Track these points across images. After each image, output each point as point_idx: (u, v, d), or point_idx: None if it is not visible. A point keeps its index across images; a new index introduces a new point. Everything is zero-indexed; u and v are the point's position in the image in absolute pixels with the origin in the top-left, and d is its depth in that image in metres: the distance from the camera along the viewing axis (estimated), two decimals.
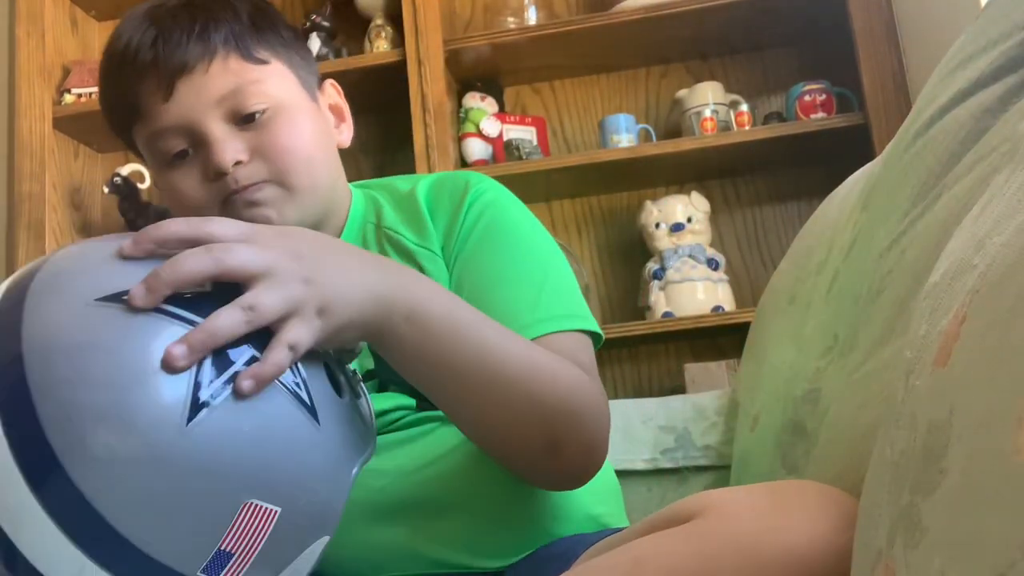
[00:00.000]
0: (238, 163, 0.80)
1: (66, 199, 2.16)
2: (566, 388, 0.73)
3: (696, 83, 2.02)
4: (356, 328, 0.62)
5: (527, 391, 0.70)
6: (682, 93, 2.02)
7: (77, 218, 2.20)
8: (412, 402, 0.84)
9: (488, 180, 0.89)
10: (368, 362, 0.84)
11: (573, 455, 0.74)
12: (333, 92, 0.93)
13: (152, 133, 0.82)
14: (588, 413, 0.74)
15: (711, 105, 1.97)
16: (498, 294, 0.81)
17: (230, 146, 0.80)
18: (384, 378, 0.84)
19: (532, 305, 0.80)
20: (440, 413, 0.82)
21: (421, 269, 0.85)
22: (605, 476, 0.92)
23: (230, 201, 0.81)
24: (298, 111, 0.84)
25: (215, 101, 0.80)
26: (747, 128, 1.94)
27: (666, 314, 1.89)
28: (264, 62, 0.83)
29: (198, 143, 0.81)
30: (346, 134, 0.92)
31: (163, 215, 2.14)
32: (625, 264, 2.10)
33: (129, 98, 0.82)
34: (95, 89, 2.15)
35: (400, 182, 0.94)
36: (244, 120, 0.81)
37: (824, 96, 1.92)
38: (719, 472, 1.17)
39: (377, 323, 0.63)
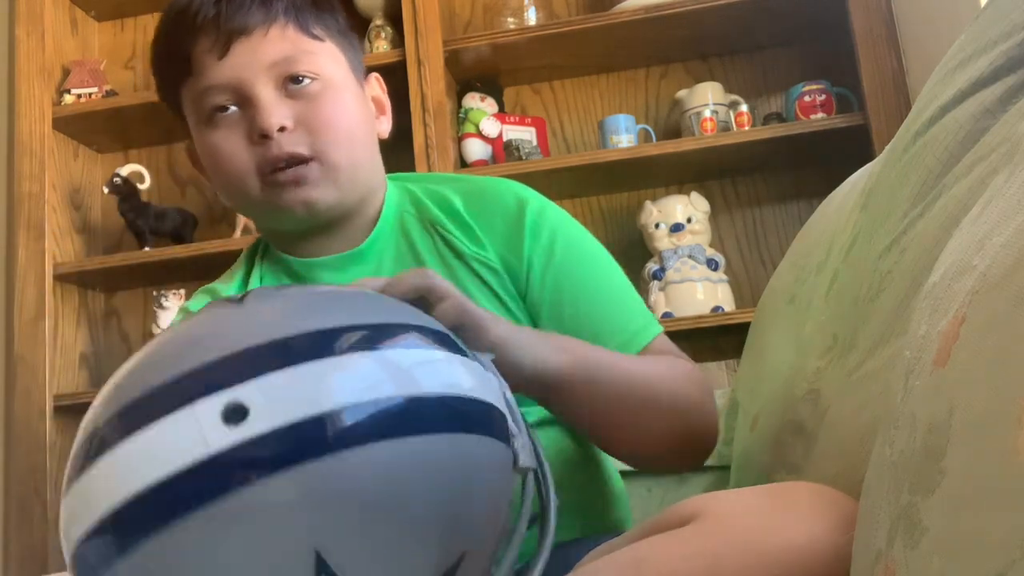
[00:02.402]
0: (282, 129, 0.81)
1: (66, 199, 2.16)
2: (687, 381, 0.81)
3: (696, 83, 2.02)
4: (536, 371, 0.69)
5: (668, 398, 0.78)
6: (682, 93, 2.02)
7: (77, 218, 2.20)
8: None
9: (536, 194, 0.91)
10: None
11: (703, 437, 0.82)
12: (377, 85, 0.94)
13: (202, 90, 0.83)
14: (709, 396, 0.82)
15: (711, 105, 1.97)
16: (597, 311, 0.87)
17: (277, 110, 0.81)
18: None
19: (628, 318, 0.87)
20: None
21: (477, 275, 0.86)
22: (619, 483, 0.94)
23: (272, 180, 0.82)
24: (345, 91, 0.86)
25: (268, 65, 0.82)
26: (747, 128, 1.94)
27: (666, 314, 1.89)
28: (319, 39, 0.85)
29: (245, 104, 0.82)
30: (385, 126, 0.93)
31: (163, 215, 2.14)
32: (625, 264, 2.07)
33: (184, 53, 0.83)
34: (95, 89, 2.15)
35: (431, 183, 0.94)
36: (293, 84, 0.83)
37: (824, 96, 1.92)
38: (719, 472, 1.17)
39: (556, 374, 0.70)
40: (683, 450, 0.82)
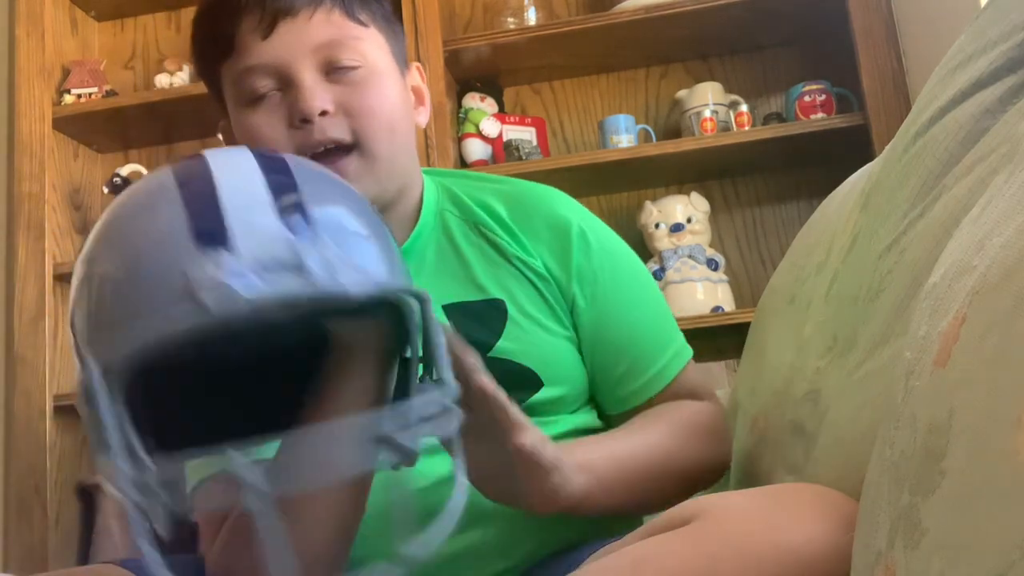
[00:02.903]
0: (323, 113, 0.80)
1: (66, 199, 2.16)
2: (703, 438, 0.86)
3: (696, 83, 2.02)
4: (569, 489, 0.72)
5: (687, 467, 0.84)
6: (682, 93, 2.02)
7: (77, 218, 2.20)
8: None
9: (579, 206, 0.92)
10: None
11: (717, 478, 0.90)
12: (417, 75, 0.93)
13: (243, 70, 0.82)
14: (724, 439, 0.89)
15: (711, 105, 1.97)
16: (635, 342, 0.89)
17: (319, 94, 0.80)
18: None
19: (664, 345, 0.91)
20: None
21: (524, 276, 0.87)
22: None
23: None
24: (388, 78, 0.85)
25: (312, 48, 0.81)
26: (747, 128, 1.94)
27: None
28: (364, 24, 0.84)
29: (286, 87, 0.81)
30: (423, 116, 0.92)
31: None
32: None
33: (228, 31, 0.82)
34: (95, 89, 2.15)
35: (470, 181, 0.94)
36: (336, 72, 0.82)
37: (824, 96, 1.92)
38: None
39: (581, 495, 0.73)
40: (697, 491, 0.87)
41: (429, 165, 1.92)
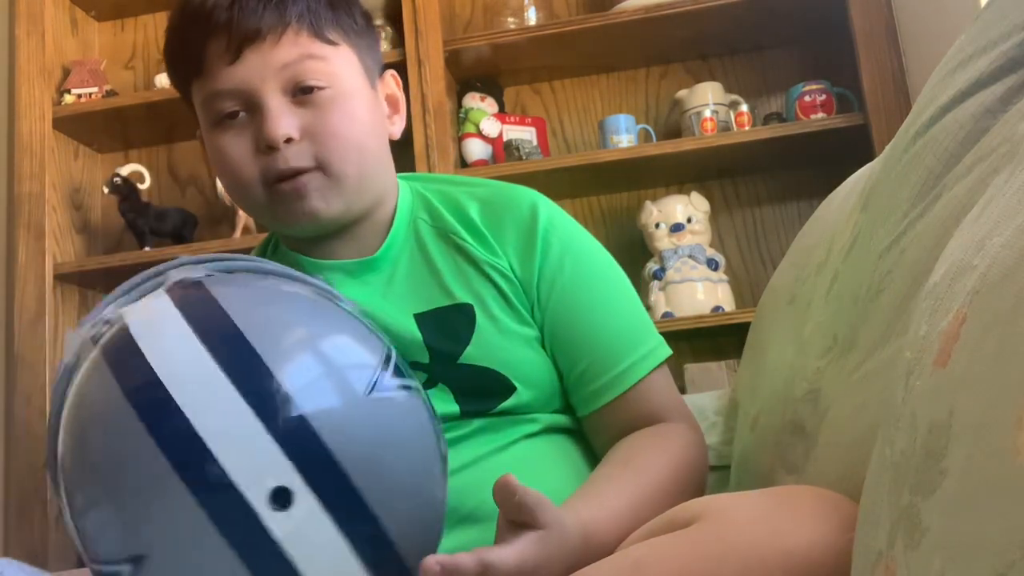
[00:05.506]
0: (288, 140, 0.80)
1: (66, 199, 2.16)
2: (689, 470, 0.83)
3: (696, 83, 2.02)
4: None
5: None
6: (682, 93, 2.02)
7: (77, 218, 2.20)
8: (456, 410, 0.84)
9: (549, 204, 0.91)
10: (422, 356, 0.84)
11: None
12: (392, 83, 0.93)
13: (211, 93, 0.82)
14: (702, 463, 0.86)
15: (711, 105, 1.97)
16: (604, 331, 0.87)
17: (283, 121, 0.80)
18: (434, 376, 0.85)
19: (633, 342, 0.87)
20: (482, 421, 0.84)
21: (490, 280, 0.86)
22: None
23: (278, 190, 0.81)
24: (356, 98, 0.84)
25: (278, 73, 0.80)
26: (747, 128, 1.94)
27: (666, 314, 1.89)
28: (333, 43, 0.83)
29: (253, 110, 0.81)
30: (398, 126, 0.92)
31: (163, 216, 2.14)
32: (625, 264, 2.05)
33: (196, 54, 0.82)
34: (95, 89, 2.15)
35: (446, 186, 0.94)
36: (302, 92, 0.81)
37: (824, 96, 1.92)
38: (719, 472, 1.17)
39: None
40: None
41: (429, 165, 1.92)
